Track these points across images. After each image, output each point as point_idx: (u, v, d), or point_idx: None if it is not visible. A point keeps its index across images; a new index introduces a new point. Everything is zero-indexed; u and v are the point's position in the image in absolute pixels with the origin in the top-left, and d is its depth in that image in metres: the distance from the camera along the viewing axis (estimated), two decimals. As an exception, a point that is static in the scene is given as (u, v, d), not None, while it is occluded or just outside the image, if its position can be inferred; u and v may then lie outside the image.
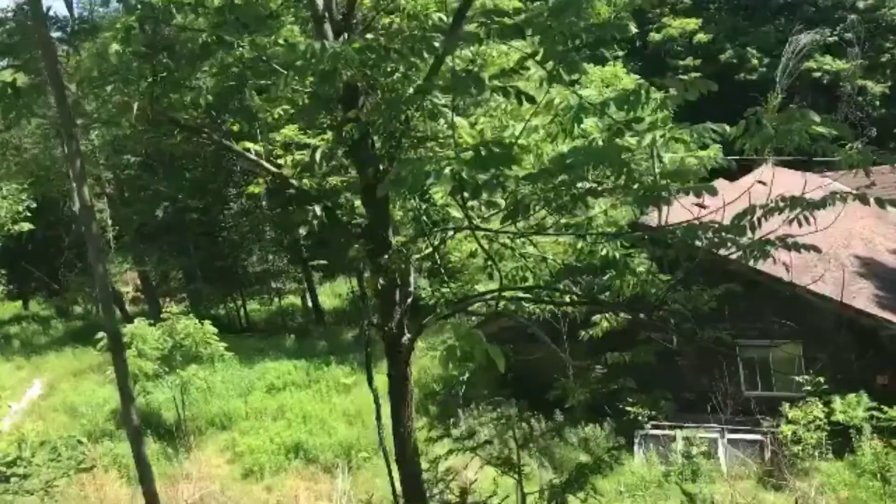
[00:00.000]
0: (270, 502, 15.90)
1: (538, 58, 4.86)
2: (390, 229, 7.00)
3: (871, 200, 4.83)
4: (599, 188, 5.83)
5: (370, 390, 8.18)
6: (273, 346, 25.02)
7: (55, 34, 22.68)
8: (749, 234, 5.06)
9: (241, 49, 6.01)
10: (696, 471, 14.98)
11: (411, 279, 7.14)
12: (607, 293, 6.91)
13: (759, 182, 5.43)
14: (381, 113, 6.25)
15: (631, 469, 15.26)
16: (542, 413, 13.16)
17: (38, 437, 13.80)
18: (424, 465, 7.84)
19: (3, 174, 27.60)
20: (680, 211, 5.37)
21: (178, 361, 18.45)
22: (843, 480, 13.90)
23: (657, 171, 5.10)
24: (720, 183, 6.29)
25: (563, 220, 6.51)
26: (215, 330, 19.08)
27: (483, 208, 6.40)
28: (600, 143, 5.35)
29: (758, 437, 15.54)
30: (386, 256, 6.70)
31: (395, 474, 7.69)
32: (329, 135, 7.20)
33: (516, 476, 8.57)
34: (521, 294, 7.24)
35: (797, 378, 15.12)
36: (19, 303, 35.85)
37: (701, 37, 38.35)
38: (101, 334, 16.91)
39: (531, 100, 5.36)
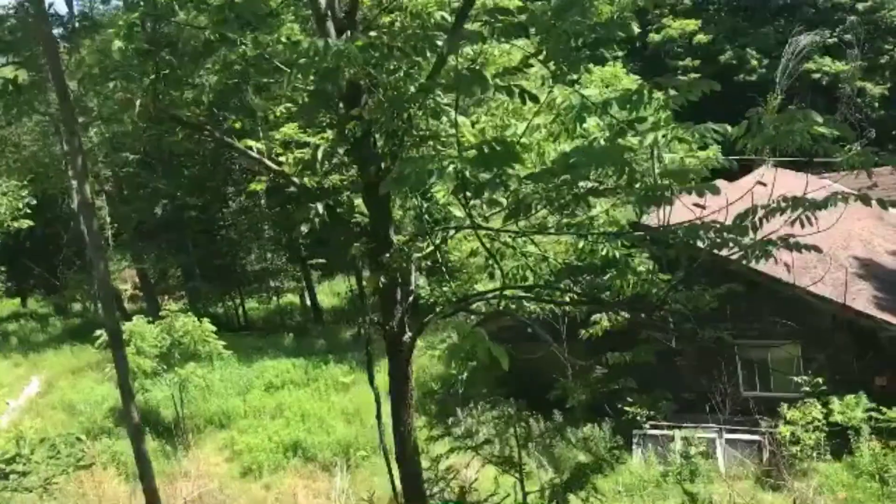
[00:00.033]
0: (269, 500, 15.91)
1: (541, 57, 4.87)
2: (391, 228, 7.01)
3: (874, 202, 4.84)
4: (601, 188, 5.85)
5: (371, 389, 8.20)
6: (271, 345, 25.01)
7: (56, 31, 22.65)
8: (751, 234, 5.07)
9: (243, 46, 6.00)
10: (694, 471, 14.97)
11: (412, 278, 7.14)
12: (608, 292, 6.92)
13: (760, 183, 5.44)
14: (383, 111, 6.24)
15: (629, 469, 15.27)
16: (541, 413, 13.18)
17: (36, 434, 13.76)
18: (425, 464, 7.85)
19: (2, 171, 27.58)
20: (681, 211, 5.38)
21: (176, 359, 18.44)
22: (841, 481, 13.91)
23: (658, 171, 5.10)
24: (720, 183, 6.29)
25: (564, 220, 6.52)
26: (214, 328, 19.06)
27: (484, 207, 6.41)
28: (602, 142, 5.36)
29: (756, 437, 15.53)
30: (387, 255, 6.70)
31: (396, 473, 7.70)
32: (329, 133, 7.20)
33: (517, 475, 8.57)
34: (522, 293, 7.24)
35: (796, 379, 15.12)
36: (18, 300, 35.80)
37: (701, 38, 38.39)
38: (99, 332, 16.90)
39: (535, 99, 5.37)
